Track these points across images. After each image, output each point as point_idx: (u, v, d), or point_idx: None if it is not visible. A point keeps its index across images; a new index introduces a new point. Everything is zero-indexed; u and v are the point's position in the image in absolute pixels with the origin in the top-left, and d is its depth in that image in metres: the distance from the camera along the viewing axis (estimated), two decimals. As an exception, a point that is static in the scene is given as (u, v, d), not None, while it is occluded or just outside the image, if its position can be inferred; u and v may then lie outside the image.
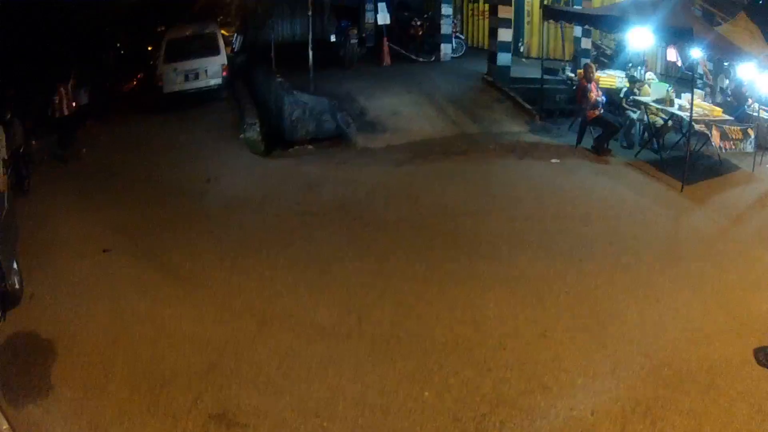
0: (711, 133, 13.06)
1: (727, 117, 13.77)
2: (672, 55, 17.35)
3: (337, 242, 10.19)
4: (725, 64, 15.79)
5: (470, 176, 13.18)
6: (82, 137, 16.41)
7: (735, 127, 13.49)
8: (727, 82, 16.47)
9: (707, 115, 13.55)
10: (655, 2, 14.16)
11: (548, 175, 13.27)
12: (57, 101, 16.07)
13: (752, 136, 13.50)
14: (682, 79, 17.38)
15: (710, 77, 17.15)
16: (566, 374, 6.65)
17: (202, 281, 8.99)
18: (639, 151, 14.55)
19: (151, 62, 27.43)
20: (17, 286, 8.40)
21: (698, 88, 15.28)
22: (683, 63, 16.01)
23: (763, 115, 14.38)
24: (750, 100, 14.84)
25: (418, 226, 10.73)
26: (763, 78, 13.48)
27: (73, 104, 16.59)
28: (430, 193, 12.30)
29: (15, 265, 8.50)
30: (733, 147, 13.34)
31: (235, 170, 14.42)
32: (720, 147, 13.20)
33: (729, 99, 15.69)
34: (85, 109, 16.83)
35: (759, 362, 6.81)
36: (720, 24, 15.39)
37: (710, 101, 15.32)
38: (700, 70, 16.31)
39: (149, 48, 32.68)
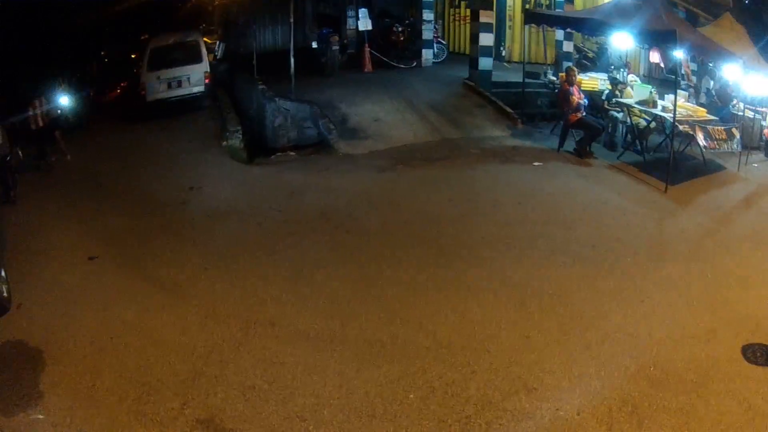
0: (695, 133, 13.10)
1: (711, 117, 13.82)
2: (655, 57, 17.42)
3: (319, 249, 10.12)
4: (710, 65, 15.85)
5: (452, 182, 13.14)
6: (64, 147, 16.26)
7: (719, 128, 13.55)
8: (711, 83, 16.55)
9: (691, 116, 13.60)
10: (637, 5, 14.20)
11: (531, 179, 13.26)
12: (31, 113, 15.96)
13: (737, 136, 13.56)
14: (666, 81, 17.44)
15: (692, 78, 17.22)
16: (551, 376, 6.62)
17: (187, 289, 8.92)
18: (622, 153, 14.58)
19: (135, 71, 27.37)
20: (5, 295, 8.35)
21: (682, 89, 15.34)
22: (666, 65, 16.06)
23: (749, 114, 14.45)
24: (735, 101, 14.91)
25: (401, 233, 10.67)
26: (747, 78, 13.54)
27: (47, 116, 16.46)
28: (412, 199, 12.25)
29: (2, 274, 8.45)
30: (718, 147, 13.40)
31: (218, 178, 14.32)
32: (705, 147, 13.25)
33: (714, 100, 15.76)
34: (57, 121, 16.67)
35: (747, 360, 6.82)
36: (704, 25, 15.47)
37: (694, 102, 15.37)
38: (681, 71, 16.36)
39: (133, 56, 32.58)
